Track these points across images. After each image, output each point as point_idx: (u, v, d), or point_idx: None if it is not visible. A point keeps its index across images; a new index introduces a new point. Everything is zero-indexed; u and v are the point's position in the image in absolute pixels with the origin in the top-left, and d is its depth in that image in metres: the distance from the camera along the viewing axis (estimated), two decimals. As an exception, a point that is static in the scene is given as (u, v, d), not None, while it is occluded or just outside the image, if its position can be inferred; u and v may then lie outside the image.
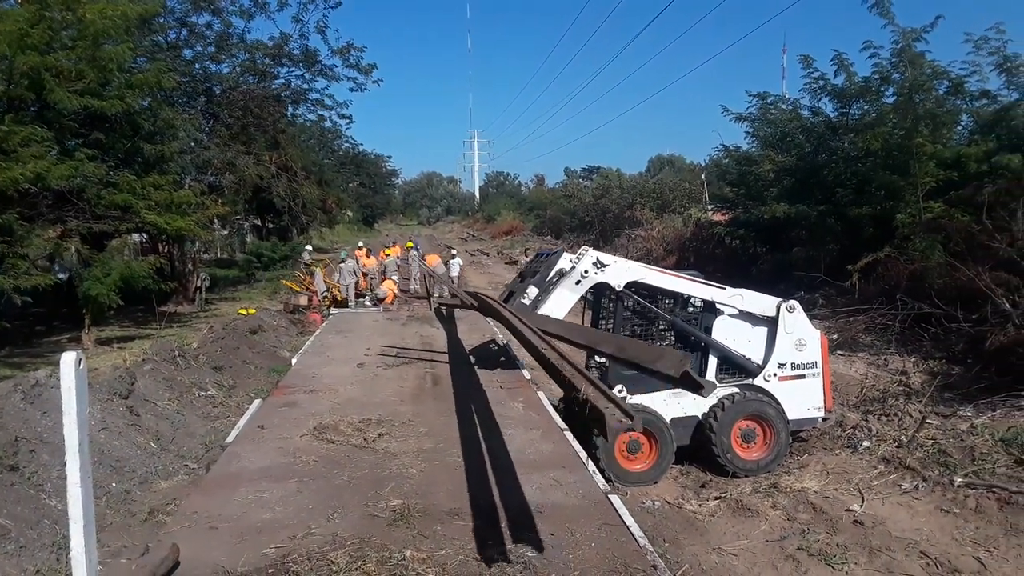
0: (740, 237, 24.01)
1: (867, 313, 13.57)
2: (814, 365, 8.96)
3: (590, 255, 8.76)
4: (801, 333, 8.91)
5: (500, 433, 8.40)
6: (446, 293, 22.87)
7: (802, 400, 8.92)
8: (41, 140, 11.98)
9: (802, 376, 8.93)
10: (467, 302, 11.50)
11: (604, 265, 8.64)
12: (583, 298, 9.23)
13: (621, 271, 8.69)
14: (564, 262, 9.06)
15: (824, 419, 9.27)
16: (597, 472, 7.30)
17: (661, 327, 9.07)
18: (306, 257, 26.93)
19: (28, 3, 12.65)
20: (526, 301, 8.82)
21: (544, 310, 8.63)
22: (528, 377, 11.48)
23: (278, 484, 6.74)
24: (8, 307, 13.46)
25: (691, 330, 8.87)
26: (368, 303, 22.03)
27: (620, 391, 8.48)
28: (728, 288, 8.94)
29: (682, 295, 8.89)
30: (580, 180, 68.64)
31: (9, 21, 11.61)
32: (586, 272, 8.64)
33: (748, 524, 7.31)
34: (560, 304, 8.74)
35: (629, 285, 8.71)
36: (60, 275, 14.48)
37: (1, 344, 13.27)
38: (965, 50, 14.94)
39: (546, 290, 8.88)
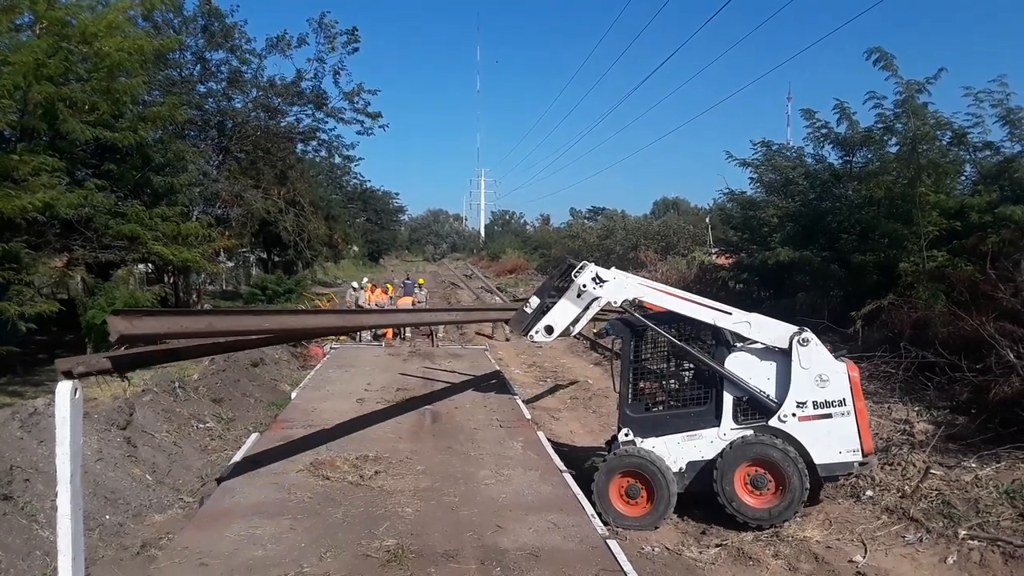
0: (744, 281, 24.02)
1: (870, 360, 13.45)
2: (842, 403, 8.06)
3: (589, 269, 8.43)
4: (821, 368, 8.10)
5: (498, 473, 8.33)
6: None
7: (831, 442, 8.06)
8: (52, 170, 12.04)
9: (828, 415, 8.05)
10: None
11: (603, 281, 8.34)
12: (611, 352, 8.77)
13: (620, 288, 8.39)
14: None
15: (862, 463, 8.26)
16: (596, 516, 7.21)
17: (676, 361, 8.67)
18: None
19: (46, 35, 12.85)
20: (528, 310, 8.72)
21: (547, 320, 8.46)
22: (528, 417, 11.41)
23: (271, 521, 6.67)
24: (11, 335, 13.45)
25: (709, 362, 8.28)
26: (369, 338, 21.97)
27: (627, 435, 8.24)
28: (736, 312, 8.29)
29: (683, 317, 8.31)
30: (585, 220, 69.24)
31: (25, 52, 11.78)
32: (584, 286, 8.34)
33: (749, 573, 7.17)
34: (563, 315, 8.48)
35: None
36: None
37: (1, 372, 13.23)
38: (967, 102, 15.08)
39: (551, 297, 8.68)
